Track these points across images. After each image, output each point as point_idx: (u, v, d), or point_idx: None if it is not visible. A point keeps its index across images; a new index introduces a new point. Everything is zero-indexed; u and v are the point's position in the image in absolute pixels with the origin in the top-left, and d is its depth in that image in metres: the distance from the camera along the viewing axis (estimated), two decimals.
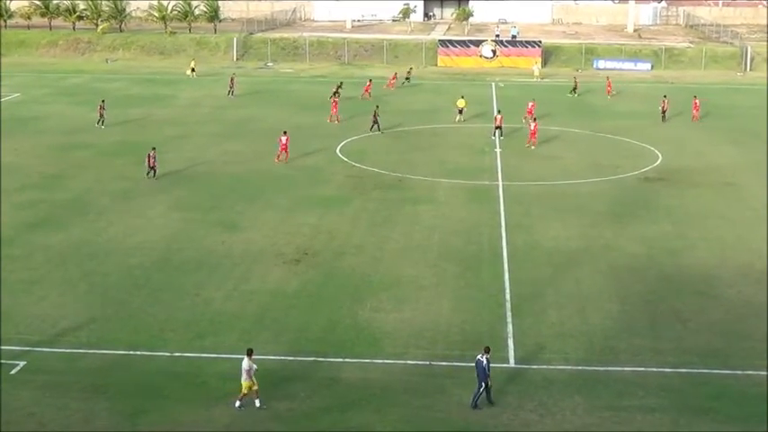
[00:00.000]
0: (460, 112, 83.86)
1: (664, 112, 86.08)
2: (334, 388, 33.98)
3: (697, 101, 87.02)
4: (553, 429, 31.56)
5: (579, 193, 60.16)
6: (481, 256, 48.41)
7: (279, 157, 67.13)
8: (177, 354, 36.65)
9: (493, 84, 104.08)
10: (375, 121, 78.08)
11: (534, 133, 73.52)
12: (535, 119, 77.29)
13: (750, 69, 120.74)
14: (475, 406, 32.78)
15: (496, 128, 76.89)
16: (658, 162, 68.94)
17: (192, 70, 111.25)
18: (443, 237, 51.24)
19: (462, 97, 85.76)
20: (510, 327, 39.44)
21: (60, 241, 49.49)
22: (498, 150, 72.02)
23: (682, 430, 31.59)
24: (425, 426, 31.68)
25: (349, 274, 45.37)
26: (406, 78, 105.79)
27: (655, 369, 35.78)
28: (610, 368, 35.79)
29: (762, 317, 40.78)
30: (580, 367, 35.90)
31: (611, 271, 46.26)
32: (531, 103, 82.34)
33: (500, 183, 62.36)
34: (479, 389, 32.83)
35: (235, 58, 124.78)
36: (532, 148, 72.57)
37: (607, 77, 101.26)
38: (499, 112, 78.56)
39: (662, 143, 74.79)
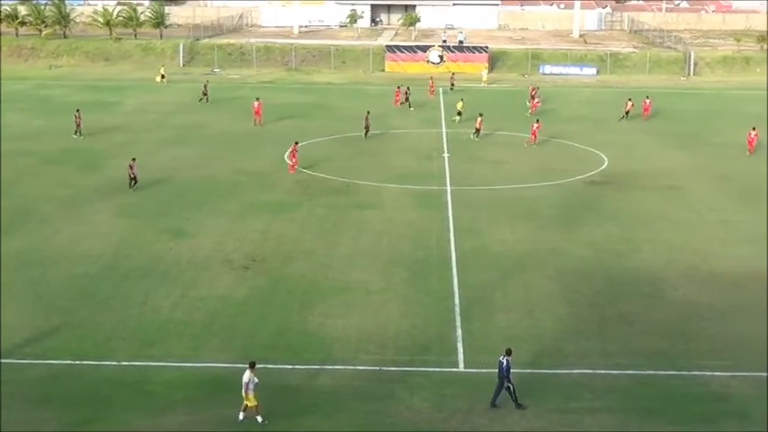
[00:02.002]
0: (459, 113, 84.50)
1: (627, 112, 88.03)
2: (283, 394, 33.87)
3: (647, 101, 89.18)
4: None
5: (527, 197, 60.44)
6: (430, 260, 48.49)
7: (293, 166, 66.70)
8: (125, 362, 36.37)
9: (440, 89, 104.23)
10: (366, 127, 78.65)
11: (535, 132, 76.26)
12: (538, 119, 79.53)
13: (693, 74, 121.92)
14: (493, 405, 33.05)
15: (477, 130, 78.14)
16: (604, 166, 69.43)
17: (162, 77, 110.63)
18: (392, 242, 51.27)
19: (462, 99, 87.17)
20: (459, 331, 39.53)
21: (4, 250, 48.89)
22: (446, 155, 72.20)
23: (629, 431, 31.81)
24: (375, 431, 31.65)
25: (298, 280, 45.27)
26: (451, 86, 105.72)
27: (602, 371, 36.02)
28: (558, 371, 35.99)
29: (707, 318, 41.20)
30: (529, 370, 36.02)
31: (559, 274, 46.52)
32: (536, 97, 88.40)
33: (448, 187, 62.52)
34: (499, 388, 33.09)
35: (181, 64, 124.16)
36: (527, 146, 75.35)
37: (531, 86, 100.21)
38: (480, 114, 79.02)
39: (607, 147, 75.33)
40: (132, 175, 61.08)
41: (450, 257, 48.79)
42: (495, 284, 44.76)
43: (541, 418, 32.47)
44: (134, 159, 62.30)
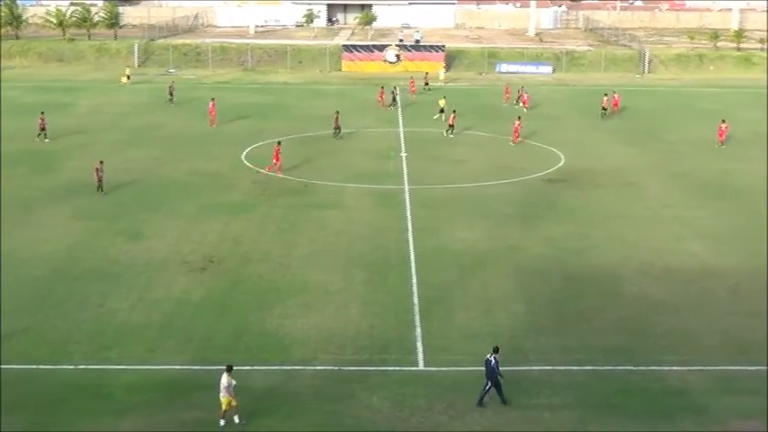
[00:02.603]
0: (441, 111, 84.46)
1: (604, 109, 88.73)
2: (242, 396, 33.62)
3: (616, 95, 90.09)
4: (463, 430, 31.72)
5: (485, 195, 60.58)
6: (389, 260, 48.49)
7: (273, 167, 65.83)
8: (81, 366, 36.11)
9: (397, 88, 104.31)
10: (337, 127, 78.56)
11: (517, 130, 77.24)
12: (519, 116, 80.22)
13: (648, 71, 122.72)
14: (480, 403, 33.12)
15: (450, 126, 78.80)
16: (561, 164, 69.73)
17: (128, 77, 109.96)
18: (351, 242, 51.23)
19: (444, 97, 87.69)
20: (418, 330, 39.56)
21: None
22: (404, 154, 72.24)
23: (589, 427, 31.98)
24: (335, 431, 31.61)
25: (256, 281, 45.14)
26: (425, 85, 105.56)
27: (561, 367, 36.18)
28: (517, 368, 36.06)
29: (663, 313, 41.50)
30: None
31: (517, 272, 46.68)
32: (525, 95, 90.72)
33: (406, 187, 62.56)
34: (485, 387, 33.15)
35: (136, 65, 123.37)
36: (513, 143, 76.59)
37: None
38: (454, 111, 79.73)
39: (564, 145, 75.65)
40: (99, 178, 60.43)
41: (409, 257, 48.82)
42: (454, 283, 44.83)
43: (501, 415, 32.56)
44: (101, 162, 61.62)
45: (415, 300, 42.87)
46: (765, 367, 36.39)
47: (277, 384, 34.73)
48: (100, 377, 35.33)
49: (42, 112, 77.75)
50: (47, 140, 75.37)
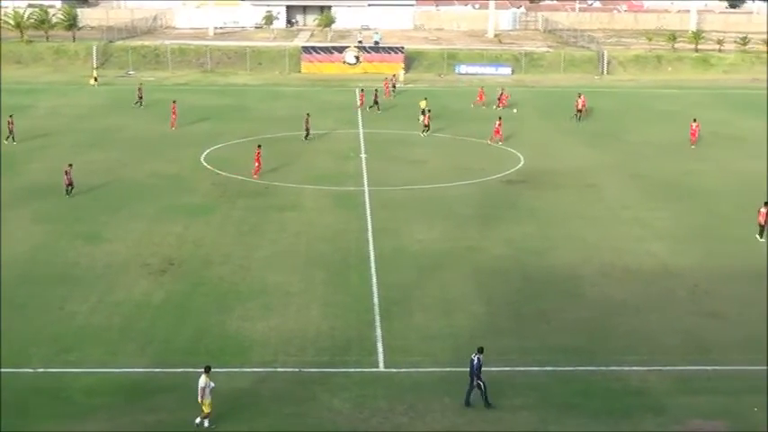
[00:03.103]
0: (423, 113, 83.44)
1: (579, 111, 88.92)
2: None
3: (583, 98, 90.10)
4: (423, 431, 31.78)
5: (444, 196, 60.72)
6: (349, 261, 48.53)
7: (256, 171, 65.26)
8: (41, 369, 35.90)
9: (357, 90, 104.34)
10: (307, 129, 78.42)
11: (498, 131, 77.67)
12: (500, 117, 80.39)
13: (607, 73, 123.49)
14: (467, 404, 33.26)
15: (425, 126, 79.71)
16: (521, 165, 70.00)
17: (95, 79, 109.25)
18: (311, 243, 51.23)
19: (425, 98, 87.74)
20: (378, 331, 39.63)
21: None
22: (364, 156, 72.29)
23: (549, 428, 32.14)
24: None
25: (216, 284, 45.04)
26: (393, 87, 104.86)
27: (521, 368, 36.34)
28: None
29: (623, 314, 41.75)
30: (448, 369, 36.25)
31: (477, 273, 46.83)
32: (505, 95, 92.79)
33: (366, 188, 62.63)
34: (476, 387, 33.26)
35: (95, 67, 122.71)
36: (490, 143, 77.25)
37: (481, 87, 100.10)
38: (429, 111, 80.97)
39: (523, 146, 75.94)
40: (68, 181, 59.94)
41: (369, 258, 48.88)
42: (414, 284, 44.91)
43: (462, 416, 32.67)
44: (70, 165, 61.00)
45: (375, 301, 42.93)
46: (725, 367, 36.74)
47: (238, 387, 34.64)
48: (60, 380, 35.13)
49: (11, 115, 76.62)
50: (15, 143, 74.77)
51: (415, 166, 69.17)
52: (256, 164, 64.78)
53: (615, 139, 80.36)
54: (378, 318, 40.99)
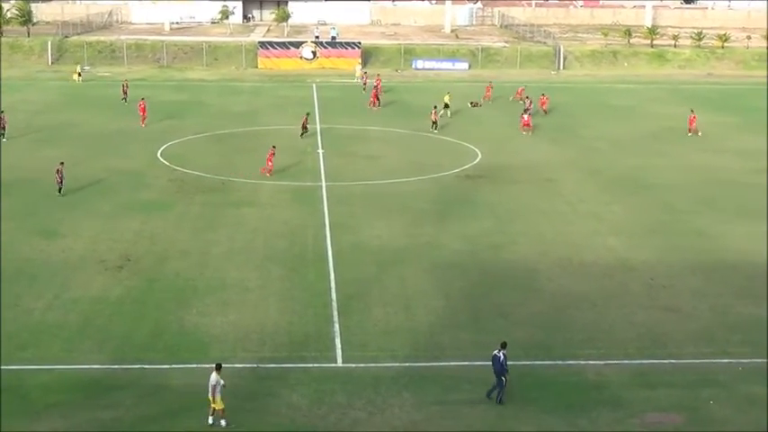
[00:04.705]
0: (446, 106, 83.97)
1: (545, 111, 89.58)
2: (161, 395, 33.58)
3: (545, 97, 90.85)
4: (382, 427, 31.82)
5: (402, 192, 60.76)
6: (306, 256, 48.48)
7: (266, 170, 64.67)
8: None
9: (314, 85, 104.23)
10: (305, 127, 77.99)
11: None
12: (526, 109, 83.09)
13: (563, 68, 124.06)
14: (490, 397, 33.34)
15: (433, 122, 79.61)
16: (478, 160, 70.17)
17: (79, 74, 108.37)
18: (268, 239, 51.13)
19: (449, 93, 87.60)
20: (336, 326, 39.62)
21: None
22: (321, 151, 72.22)
23: (507, 422, 32.25)
24: (255, 429, 31.60)
25: (173, 279, 44.86)
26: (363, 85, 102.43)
27: (479, 363, 36.30)
28: (436, 363, 36.31)
29: (580, 308, 41.97)
30: (407, 364, 36.32)
31: (435, 268, 46.91)
32: (520, 88, 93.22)
33: (323, 183, 62.56)
34: (502, 384, 33.13)
35: (50, 62, 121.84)
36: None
37: (490, 83, 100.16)
38: (435, 107, 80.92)
39: (480, 141, 76.12)
40: (59, 179, 59.34)
41: (327, 253, 48.85)
42: (372, 279, 44.94)
43: (420, 411, 32.73)
44: (62, 163, 60.55)
45: (333, 296, 42.91)
46: (682, 361, 37.05)
47: (196, 382, 34.45)
48: (16, 377, 34.85)
49: (2, 111, 75.36)
50: (5, 140, 73.75)
51: (373, 161, 69.19)
52: (269, 164, 64.43)
53: (572, 134, 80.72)
54: (336, 313, 40.98)
